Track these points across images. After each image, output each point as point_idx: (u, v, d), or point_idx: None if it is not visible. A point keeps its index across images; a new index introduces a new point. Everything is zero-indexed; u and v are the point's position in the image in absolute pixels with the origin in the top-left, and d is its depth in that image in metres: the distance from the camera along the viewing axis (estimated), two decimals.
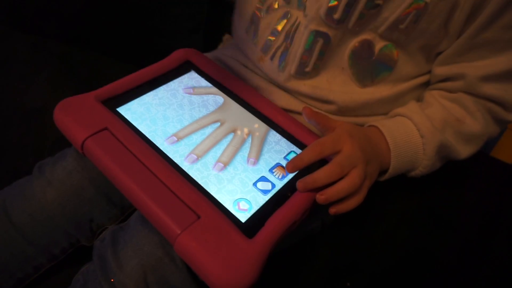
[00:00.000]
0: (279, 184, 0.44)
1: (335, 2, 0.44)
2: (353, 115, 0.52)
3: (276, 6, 0.50)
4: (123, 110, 0.48)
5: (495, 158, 0.71)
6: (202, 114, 0.50)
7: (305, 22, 0.47)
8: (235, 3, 0.59)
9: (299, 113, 0.51)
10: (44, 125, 0.67)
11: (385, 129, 0.48)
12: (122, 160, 0.42)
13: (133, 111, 0.48)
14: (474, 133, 0.49)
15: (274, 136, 0.49)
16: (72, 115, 0.45)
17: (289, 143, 0.49)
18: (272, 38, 0.51)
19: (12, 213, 0.48)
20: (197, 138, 0.47)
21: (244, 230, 0.39)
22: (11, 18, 0.85)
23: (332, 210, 0.41)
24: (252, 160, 0.46)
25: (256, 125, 0.50)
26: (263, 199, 0.43)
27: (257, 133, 0.49)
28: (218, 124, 0.49)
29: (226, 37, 0.70)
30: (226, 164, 0.45)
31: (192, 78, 0.55)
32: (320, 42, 0.47)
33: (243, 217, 0.41)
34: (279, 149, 0.48)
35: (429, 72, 0.51)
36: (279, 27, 0.50)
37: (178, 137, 0.47)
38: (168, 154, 0.45)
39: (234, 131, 0.49)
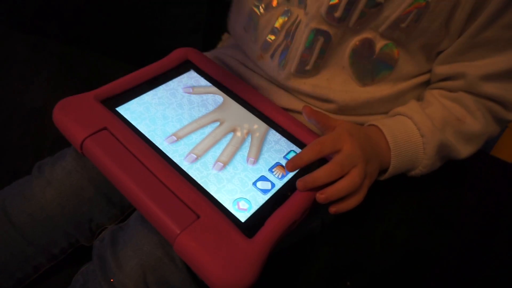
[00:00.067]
0: (279, 184, 0.44)
1: (336, 1, 0.44)
2: (353, 114, 0.52)
3: (275, 3, 0.50)
4: (123, 109, 0.48)
5: (495, 157, 0.71)
6: (202, 114, 0.50)
7: (306, 20, 0.47)
8: (232, 0, 0.59)
9: (299, 112, 0.51)
10: (44, 125, 0.67)
11: (385, 128, 0.48)
12: (122, 159, 0.42)
13: (133, 111, 0.48)
14: (475, 133, 0.49)
15: (273, 135, 0.49)
16: (71, 115, 0.45)
17: (288, 142, 0.48)
18: (272, 37, 0.51)
19: (11, 213, 0.48)
20: (196, 137, 0.47)
21: (244, 229, 0.39)
22: (11, 18, 0.85)
23: (332, 209, 0.41)
24: (251, 159, 0.46)
25: (256, 125, 0.50)
26: (262, 199, 0.42)
27: (256, 133, 0.49)
28: (218, 123, 0.49)
29: (225, 36, 0.70)
30: (225, 164, 0.45)
31: (191, 78, 0.54)
32: (321, 40, 0.47)
33: (242, 217, 0.40)
34: (279, 148, 0.48)
35: (429, 71, 0.51)
36: (279, 25, 0.50)
37: (178, 137, 0.47)
38: (167, 154, 0.45)
39: (233, 130, 0.48)
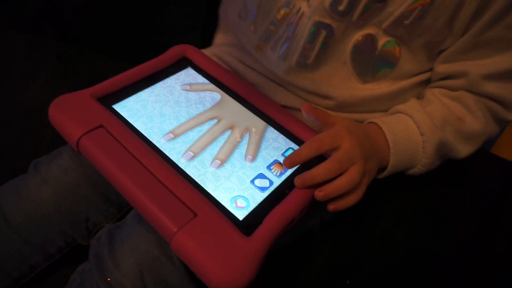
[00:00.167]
0: (277, 181, 0.44)
1: None
2: (352, 111, 0.51)
3: None
4: (119, 107, 0.48)
5: (495, 155, 0.70)
6: (199, 111, 0.49)
7: (309, 12, 0.46)
8: None
9: (297, 110, 0.50)
10: (42, 124, 0.66)
11: (385, 126, 0.47)
12: (118, 157, 0.42)
13: (129, 108, 0.48)
14: (474, 132, 0.48)
15: (272, 132, 0.48)
16: (68, 113, 0.45)
17: (287, 139, 0.48)
18: (272, 28, 0.50)
19: (7, 212, 0.48)
20: (194, 135, 0.47)
21: (242, 228, 0.38)
22: (9, 16, 0.85)
23: (331, 207, 0.41)
24: (249, 157, 0.45)
25: (254, 122, 0.49)
26: (261, 197, 0.42)
27: (254, 130, 0.48)
28: (215, 121, 0.49)
29: (219, 33, 0.70)
30: (223, 161, 0.44)
31: (189, 75, 0.54)
32: (323, 34, 0.46)
33: (240, 215, 0.40)
34: (277, 146, 0.47)
35: (430, 70, 0.51)
36: (280, 17, 0.49)
37: (175, 134, 0.46)
38: (164, 152, 0.44)
39: (231, 128, 0.48)
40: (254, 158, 0.45)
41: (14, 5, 0.83)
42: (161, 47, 0.57)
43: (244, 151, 0.46)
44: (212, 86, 0.53)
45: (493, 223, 0.60)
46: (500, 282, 0.54)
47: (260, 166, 0.45)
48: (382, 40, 0.46)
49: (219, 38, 0.64)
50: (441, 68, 0.49)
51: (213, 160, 0.44)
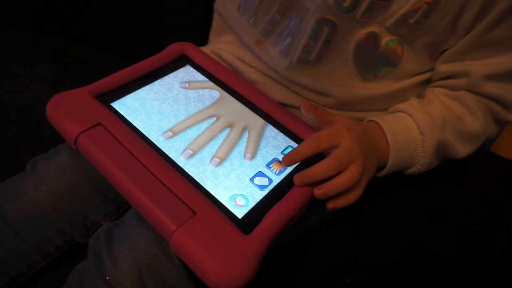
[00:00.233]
0: (276, 179, 0.44)
1: None
2: (352, 110, 0.51)
3: None
4: (118, 105, 0.48)
5: (495, 154, 0.70)
6: (198, 109, 0.49)
7: (313, 8, 0.46)
8: None
9: (297, 108, 0.50)
10: (40, 122, 0.66)
11: (385, 124, 0.47)
12: (116, 155, 0.41)
13: (128, 106, 0.48)
14: (474, 132, 0.48)
15: (271, 130, 0.48)
16: (65, 110, 0.45)
17: (286, 137, 0.48)
18: (274, 23, 0.50)
19: (5, 210, 0.48)
20: (193, 133, 0.46)
21: (241, 226, 0.38)
22: (6, 14, 0.85)
23: (330, 205, 0.41)
24: (248, 155, 0.45)
25: (253, 120, 0.49)
26: (260, 195, 0.42)
27: (253, 128, 0.48)
28: (214, 119, 0.48)
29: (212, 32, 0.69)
30: (222, 160, 0.44)
31: (187, 72, 0.54)
32: (326, 30, 0.46)
33: (239, 213, 0.40)
34: (276, 144, 0.47)
35: (431, 70, 0.51)
36: (282, 12, 0.49)
37: (174, 132, 0.46)
38: (163, 150, 0.44)
39: (230, 126, 0.48)
40: (253, 156, 0.45)
41: (12, 3, 0.83)
42: (159, 44, 0.57)
43: (243, 149, 0.46)
44: (211, 84, 0.53)
45: (493, 221, 0.60)
46: (500, 280, 0.54)
47: (259, 164, 0.45)
48: (385, 38, 0.46)
49: (213, 36, 0.63)
50: (443, 67, 0.49)
51: (212, 158, 0.44)
